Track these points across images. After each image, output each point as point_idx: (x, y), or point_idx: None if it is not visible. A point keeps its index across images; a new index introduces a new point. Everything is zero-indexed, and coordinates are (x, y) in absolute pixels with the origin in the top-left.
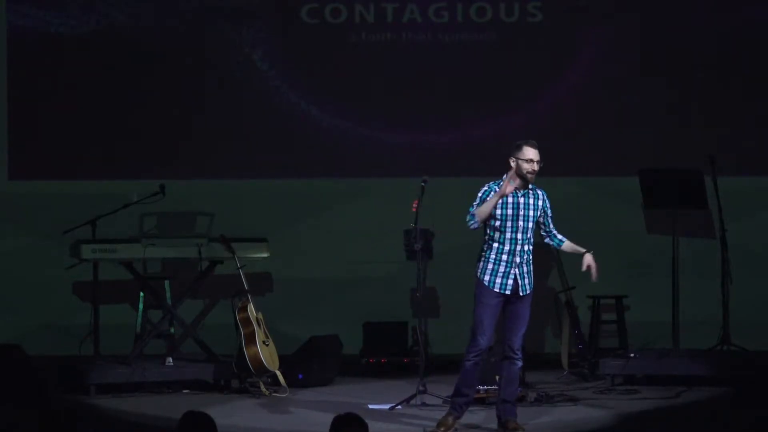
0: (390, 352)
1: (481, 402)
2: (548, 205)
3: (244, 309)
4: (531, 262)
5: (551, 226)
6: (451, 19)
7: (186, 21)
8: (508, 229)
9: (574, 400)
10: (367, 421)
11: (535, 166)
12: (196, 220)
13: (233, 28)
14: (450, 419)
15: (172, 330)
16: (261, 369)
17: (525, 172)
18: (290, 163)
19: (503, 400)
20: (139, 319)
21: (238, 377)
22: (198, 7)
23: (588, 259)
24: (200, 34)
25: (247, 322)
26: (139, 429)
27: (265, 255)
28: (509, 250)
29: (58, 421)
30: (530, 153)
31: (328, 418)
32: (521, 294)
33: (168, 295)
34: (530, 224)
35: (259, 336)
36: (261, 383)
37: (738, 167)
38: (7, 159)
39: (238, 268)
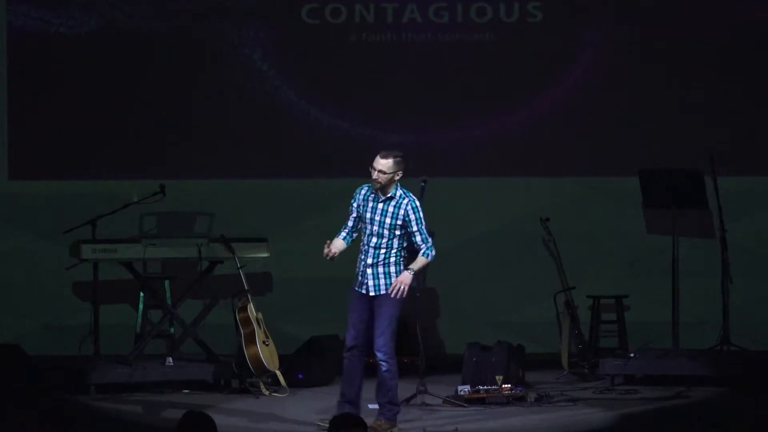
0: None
1: (481, 402)
2: (412, 218)
3: (244, 309)
4: (391, 264)
5: (416, 239)
6: (451, 19)
7: (186, 21)
8: (366, 231)
9: (574, 400)
10: (367, 421)
11: (375, 175)
12: (196, 220)
13: (233, 28)
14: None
15: (172, 330)
16: (261, 369)
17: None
18: (290, 163)
19: (378, 402)
20: (139, 319)
21: (238, 377)
22: (198, 7)
23: (399, 277)
24: (200, 34)
25: (247, 322)
26: (139, 429)
27: (265, 255)
28: (364, 250)
29: (57, 421)
30: (375, 161)
31: (327, 418)
32: (371, 294)
33: (168, 295)
34: (385, 230)
35: (259, 336)
36: (261, 383)
37: (738, 167)
38: (7, 159)
39: (238, 268)
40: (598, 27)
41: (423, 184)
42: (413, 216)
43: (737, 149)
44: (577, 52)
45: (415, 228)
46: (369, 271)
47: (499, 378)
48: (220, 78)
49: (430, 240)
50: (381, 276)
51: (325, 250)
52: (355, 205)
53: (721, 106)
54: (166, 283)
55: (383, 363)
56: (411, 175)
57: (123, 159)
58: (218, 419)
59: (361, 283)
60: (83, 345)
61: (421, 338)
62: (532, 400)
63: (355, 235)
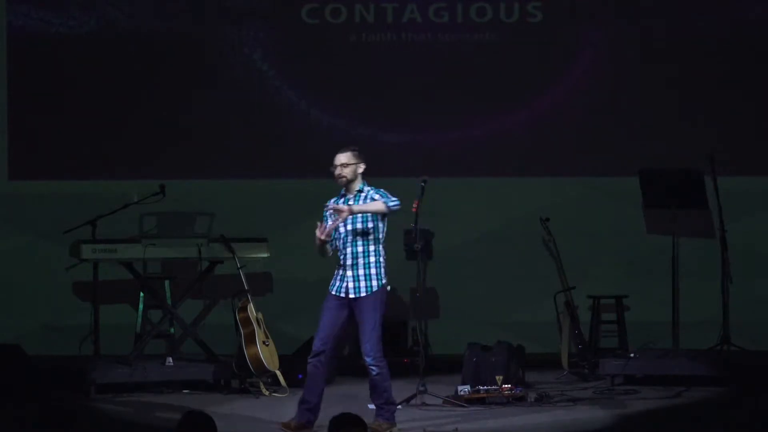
0: (390, 352)
1: (481, 402)
2: (377, 196)
3: (244, 309)
4: (370, 265)
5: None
6: (451, 19)
7: (186, 21)
8: (342, 235)
9: (574, 400)
10: (366, 421)
11: (339, 171)
12: (196, 220)
13: (233, 28)
14: (292, 423)
15: (172, 330)
16: (261, 369)
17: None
18: (290, 163)
19: (374, 404)
20: (139, 319)
21: (238, 377)
22: (198, 7)
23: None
24: (200, 34)
25: (247, 322)
26: (139, 429)
27: (265, 255)
28: (342, 255)
29: (57, 421)
30: (335, 159)
31: (328, 418)
32: (351, 296)
33: (168, 295)
34: (359, 227)
35: (259, 336)
36: (261, 383)
37: (738, 167)
38: (7, 159)
39: (238, 268)
40: (598, 27)
41: (423, 184)
42: (377, 195)
43: (737, 149)
44: (577, 52)
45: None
46: (349, 273)
47: (499, 378)
48: (220, 78)
49: (395, 198)
50: (362, 278)
51: (317, 232)
52: (327, 215)
53: (721, 106)
54: (166, 283)
55: (373, 367)
56: (411, 175)
57: (123, 159)
58: (218, 419)
59: (339, 288)
60: (83, 345)
61: (421, 338)
62: (532, 400)
63: (332, 247)
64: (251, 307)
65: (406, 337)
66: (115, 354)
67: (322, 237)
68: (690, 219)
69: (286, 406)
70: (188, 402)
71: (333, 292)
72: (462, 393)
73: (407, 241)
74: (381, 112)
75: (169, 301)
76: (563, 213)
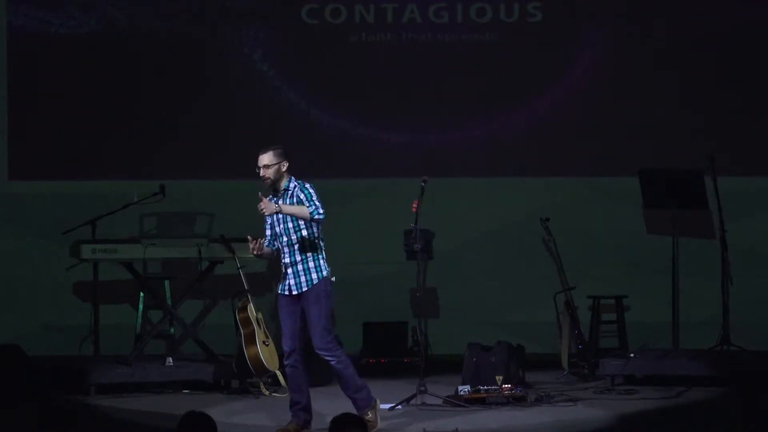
0: (390, 352)
1: (482, 402)
2: (302, 197)
3: (244, 309)
4: (308, 259)
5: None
6: (451, 20)
7: (186, 21)
8: (277, 234)
9: (574, 400)
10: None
11: (262, 173)
12: (196, 220)
13: (233, 28)
14: (290, 427)
15: (172, 330)
16: (261, 369)
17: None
18: (290, 163)
19: (347, 395)
20: (139, 319)
21: (238, 377)
22: (198, 8)
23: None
24: (200, 34)
25: (247, 322)
26: (139, 429)
27: None
28: (282, 253)
29: (57, 421)
30: (258, 160)
31: (328, 418)
32: (294, 293)
33: (168, 295)
34: (290, 225)
35: (259, 336)
36: (261, 383)
37: (738, 167)
38: (7, 159)
39: (238, 269)
40: (598, 27)
41: (423, 184)
42: (303, 195)
43: (737, 149)
44: (577, 52)
45: (307, 204)
46: (290, 270)
47: (499, 378)
48: (220, 78)
49: (321, 209)
50: (301, 273)
51: (251, 245)
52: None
53: (721, 106)
54: (166, 283)
55: (330, 358)
56: (411, 175)
57: (123, 159)
58: (218, 419)
59: (285, 285)
60: (83, 345)
61: (421, 338)
62: (532, 400)
63: (276, 244)
64: (251, 307)
65: (406, 337)
66: (115, 354)
67: (255, 253)
68: (690, 219)
69: (286, 407)
70: (188, 402)
71: (280, 292)
72: (462, 393)
73: (407, 241)
74: (381, 112)
75: (169, 301)
76: (563, 213)
